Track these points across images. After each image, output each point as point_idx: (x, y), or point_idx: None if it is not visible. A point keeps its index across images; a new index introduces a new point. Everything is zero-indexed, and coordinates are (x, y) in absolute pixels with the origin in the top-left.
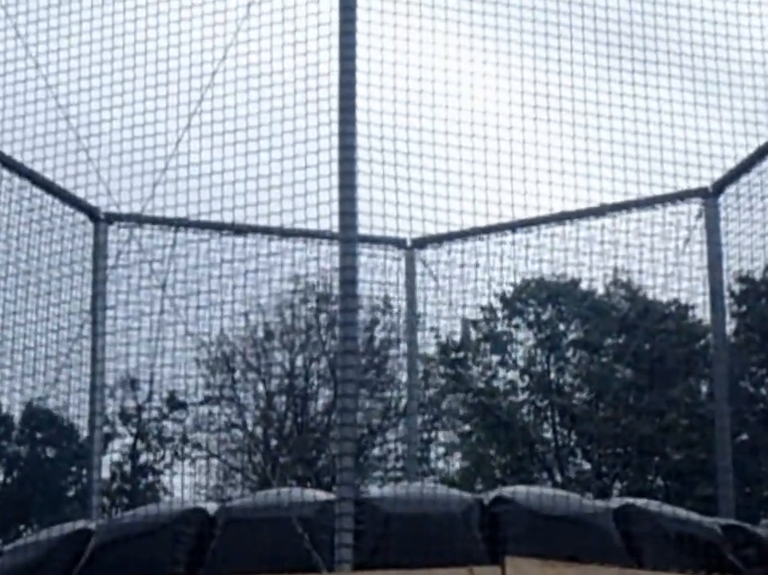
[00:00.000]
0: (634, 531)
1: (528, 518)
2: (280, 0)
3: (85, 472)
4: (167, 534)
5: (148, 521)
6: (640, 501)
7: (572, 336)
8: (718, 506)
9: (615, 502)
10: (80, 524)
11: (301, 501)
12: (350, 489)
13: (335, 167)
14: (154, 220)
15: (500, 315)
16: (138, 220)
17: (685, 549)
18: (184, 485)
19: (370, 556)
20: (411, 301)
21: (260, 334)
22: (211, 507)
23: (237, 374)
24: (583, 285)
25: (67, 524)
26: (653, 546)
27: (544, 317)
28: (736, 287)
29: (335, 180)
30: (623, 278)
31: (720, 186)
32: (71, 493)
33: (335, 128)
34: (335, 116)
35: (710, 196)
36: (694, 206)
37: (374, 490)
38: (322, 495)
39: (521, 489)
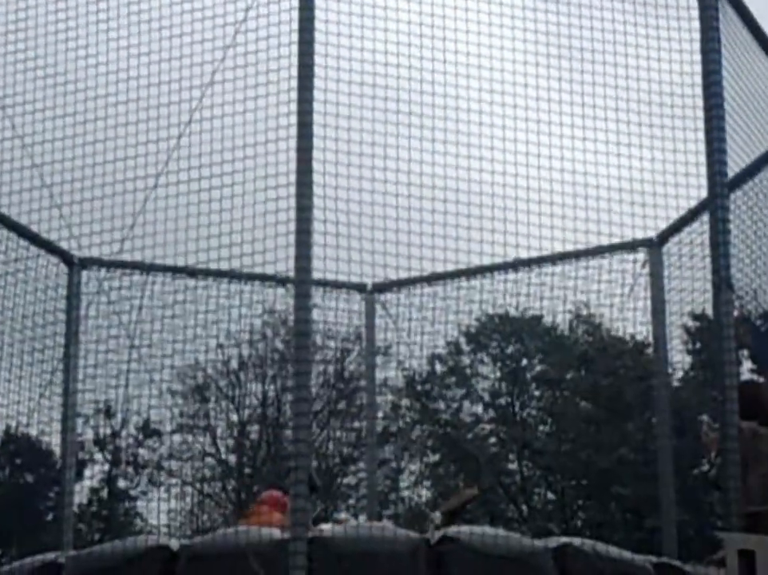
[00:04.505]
0: (571, 569)
1: (472, 557)
2: (243, 60)
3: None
4: (134, 569)
5: (116, 557)
6: (577, 541)
7: (534, 371)
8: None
9: (554, 542)
10: (51, 556)
11: (258, 539)
12: (303, 529)
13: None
14: (124, 265)
15: (465, 348)
16: (110, 264)
17: None
18: (159, 511)
19: None
20: (371, 341)
21: (234, 365)
22: (174, 544)
23: (211, 404)
24: (546, 320)
25: (38, 556)
26: None
27: (508, 351)
28: (691, 325)
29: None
30: (584, 312)
31: (665, 236)
32: (49, 518)
33: (293, 177)
34: (293, 166)
35: (655, 245)
36: (640, 255)
37: (326, 529)
38: (277, 533)
39: (465, 529)
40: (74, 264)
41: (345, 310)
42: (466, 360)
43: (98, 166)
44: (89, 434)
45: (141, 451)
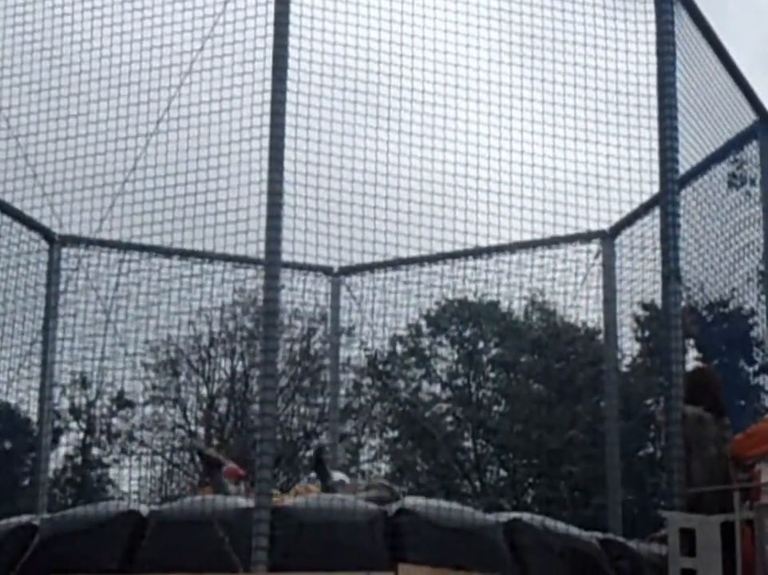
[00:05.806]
0: (520, 543)
1: (427, 529)
2: (220, 50)
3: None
4: (105, 533)
5: (89, 520)
6: (526, 516)
7: (490, 354)
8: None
9: (504, 516)
10: (26, 519)
11: (224, 507)
12: (267, 497)
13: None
14: (103, 243)
15: (425, 330)
16: (89, 242)
17: (566, 560)
18: (131, 479)
19: (284, 559)
20: (335, 322)
21: (204, 341)
22: (144, 509)
23: (182, 378)
24: (503, 306)
25: (13, 519)
26: (537, 557)
27: (466, 334)
28: (641, 314)
29: (263, 219)
30: (540, 299)
31: (617, 229)
32: (25, 483)
33: (265, 164)
34: (266, 153)
35: (608, 237)
36: (593, 246)
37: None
38: (242, 502)
39: (422, 501)
40: (55, 241)
41: (312, 291)
42: (426, 342)
43: (80, 147)
44: (65, 404)
45: (115, 421)
